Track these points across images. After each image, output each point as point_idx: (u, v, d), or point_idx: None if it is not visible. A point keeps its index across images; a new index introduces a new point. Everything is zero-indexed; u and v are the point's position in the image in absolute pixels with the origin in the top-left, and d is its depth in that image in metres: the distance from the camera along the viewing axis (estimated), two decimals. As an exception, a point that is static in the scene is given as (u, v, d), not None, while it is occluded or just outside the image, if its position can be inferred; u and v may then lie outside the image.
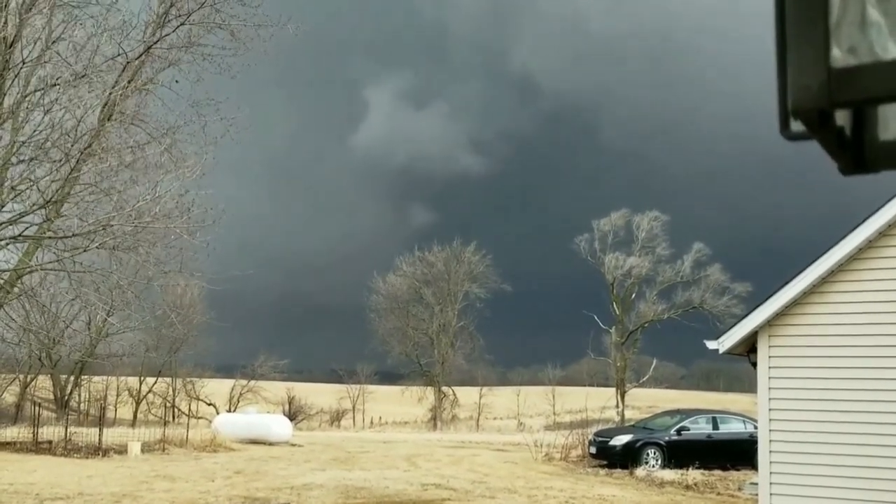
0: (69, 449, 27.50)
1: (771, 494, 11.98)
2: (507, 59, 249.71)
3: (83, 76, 14.90)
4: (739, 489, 21.03)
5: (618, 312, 59.67)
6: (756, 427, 23.09)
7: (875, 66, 1.36)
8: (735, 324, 12.98)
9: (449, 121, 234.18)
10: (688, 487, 21.80)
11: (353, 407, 78.58)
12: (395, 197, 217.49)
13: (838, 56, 1.37)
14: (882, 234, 11.31)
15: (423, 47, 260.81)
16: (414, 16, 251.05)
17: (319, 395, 73.99)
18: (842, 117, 1.51)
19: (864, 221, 11.36)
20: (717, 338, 13.03)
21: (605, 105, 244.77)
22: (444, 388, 68.45)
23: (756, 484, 13.13)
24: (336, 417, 72.44)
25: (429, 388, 69.30)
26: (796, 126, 1.46)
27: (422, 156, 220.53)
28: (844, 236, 11.47)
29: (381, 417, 77.81)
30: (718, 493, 20.91)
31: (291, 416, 55.18)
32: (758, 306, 12.30)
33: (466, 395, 72.61)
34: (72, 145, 15.04)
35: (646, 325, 59.76)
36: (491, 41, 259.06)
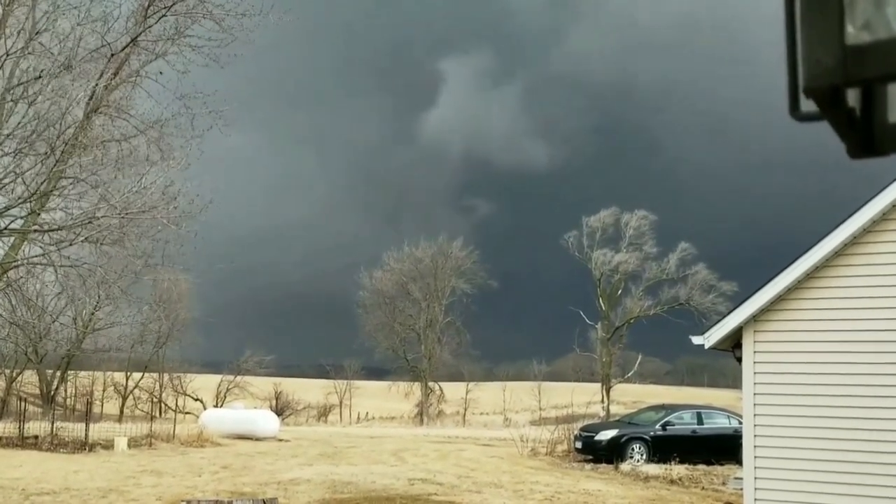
0: (55, 444, 27.41)
1: (756, 489, 12.04)
2: (564, 46, 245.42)
3: (68, 67, 14.82)
4: (724, 484, 21.14)
5: (604, 308, 59.80)
6: (740, 422, 23.20)
7: (891, 43, 1.35)
8: (721, 319, 13.02)
9: (500, 111, 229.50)
10: (672, 482, 21.89)
11: (340, 402, 78.60)
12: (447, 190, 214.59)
13: (852, 32, 1.36)
14: (866, 230, 11.37)
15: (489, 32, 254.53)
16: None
17: (307, 390, 73.94)
18: (851, 98, 1.49)
19: (847, 219, 11.42)
20: (702, 333, 13.07)
21: (650, 97, 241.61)
22: (431, 384, 68.48)
23: (740, 479, 13.19)
24: (323, 413, 72.44)
25: (415, 383, 69.32)
26: (806, 106, 1.45)
27: (479, 146, 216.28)
28: (828, 233, 11.52)
29: (367, 413, 77.77)
30: (703, 488, 21.00)
31: (279, 411, 55.14)
32: (743, 302, 12.34)
33: (453, 391, 72.66)
34: (57, 138, 14.97)
35: (631, 321, 59.89)
36: (550, 27, 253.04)
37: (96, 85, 15.57)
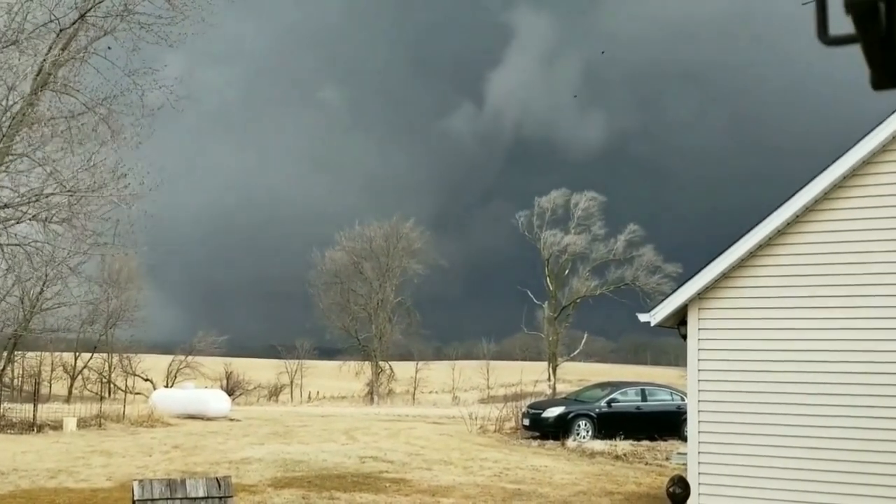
0: (2, 425, 27.04)
1: (699, 463, 12.35)
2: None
3: (15, 42, 14.61)
4: (667, 459, 21.58)
5: (551, 288, 60.42)
6: (683, 398, 23.69)
7: None
8: (667, 297, 13.30)
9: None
10: (617, 458, 22.35)
11: (291, 382, 78.39)
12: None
13: None
14: (808, 209, 11.69)
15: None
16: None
17: (258, 370, 73.54)
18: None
19: (790, 197, 11.71)
20: (649, 311, 13.34)
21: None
22: (381, 363, 68.64)
23: (683, 454, 13.50)
24: (274, 392, 72.15)
25: (366, 362, 69.42)
26: (835, 31, 1.46)
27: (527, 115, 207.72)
28: (773, 211, 11.80)
29: (318, 392, 77.72)
30: (647, 464, 21.47)
31: (229, 391, 54.78)
32: (689, 279, 12.62)
33: (403, 370, 72.90)
34: (4, 113, 14.78)
35: (578, 300, 60.60)
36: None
37: (44, 60, 15.36)
